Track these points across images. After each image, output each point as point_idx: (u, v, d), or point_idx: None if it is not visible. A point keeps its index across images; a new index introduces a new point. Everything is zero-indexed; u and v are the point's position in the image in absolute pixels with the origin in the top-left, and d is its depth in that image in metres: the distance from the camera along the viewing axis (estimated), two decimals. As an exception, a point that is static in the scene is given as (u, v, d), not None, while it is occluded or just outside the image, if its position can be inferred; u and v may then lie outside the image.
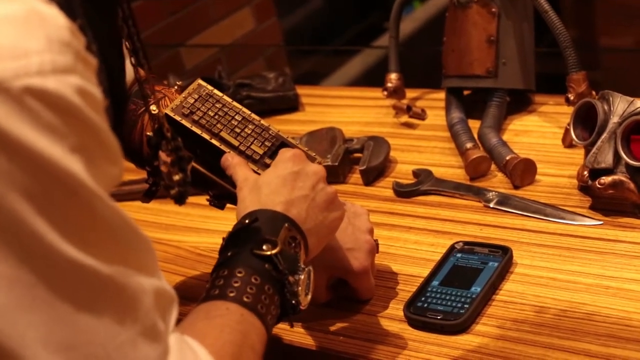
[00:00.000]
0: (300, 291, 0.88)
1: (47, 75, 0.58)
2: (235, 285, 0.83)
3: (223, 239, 0.92)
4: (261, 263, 0.86)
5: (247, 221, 0.91)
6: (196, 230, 1.35)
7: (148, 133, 0.99)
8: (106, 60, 0.76)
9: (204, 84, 1.08)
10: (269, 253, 0.86)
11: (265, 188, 0.94)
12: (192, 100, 1.06)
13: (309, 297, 0.90)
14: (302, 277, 0.88)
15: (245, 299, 0.82)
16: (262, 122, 1.07)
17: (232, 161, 1.02)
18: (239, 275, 0.84)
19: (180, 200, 0.91)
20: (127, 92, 0.94)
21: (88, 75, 0.62)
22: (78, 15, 0.68)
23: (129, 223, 0.66)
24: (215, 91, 1.08)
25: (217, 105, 1.06)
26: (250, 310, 0.82)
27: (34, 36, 0.59)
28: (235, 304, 0.82)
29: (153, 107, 0.98)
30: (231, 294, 0.82)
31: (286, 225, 0.90)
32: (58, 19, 0.61)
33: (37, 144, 0.58)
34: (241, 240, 0.89)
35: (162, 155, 0.89)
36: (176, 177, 0.89)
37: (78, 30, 0.63)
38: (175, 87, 1.11)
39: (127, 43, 0.89)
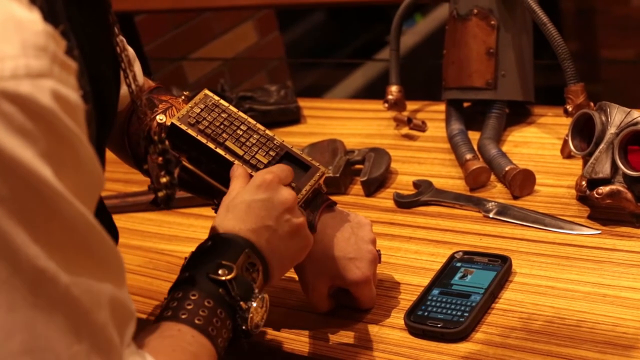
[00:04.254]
0: (250, 318, 0.89)
1: (20, 80, 0.59)
2: (188, 307, 0.85)
3: (185, 258, 0.94)
4: (215, 287, 0.88)
5: (208, 243, 0.93)
6: (199, 241, 1.33)
7: None
8: (91, 64, 0.76)
9: (210, 94, 1.10)
10: (223, 278, 0.88)
11: (231, 212, 0.95)
12: (198, 110, 1.07)
13: (262, 322, 0.91)
14: (255, 304, 0.89)
15: (196, 321, 0.84)
16: (267, 132, 1.09)
17: (234, 172, 1.03)
18: (192, 298, 0.86)
19: (167, 202, 0.92)
20: (117, 97, 0.94)
21: (66, 79, 0.62)
22: (61, 20, 0.68)
23: (98, 232, 0.66)
24: (222, 101, 1.09)
25: (223, 115, 1.08)
26: (200, 332, 0.83)
27: (9, 41, 0.59)
28: (187, 326, 0.83)
29: (161, 117, 1.00)
30: (183, 316, 0.84)
31: (246, 250, 0.91)
32: (35, 24, 0.61)
33: (7, 146, 0.58)
34: (199, 263, 0.90)
35: (151, 159, 0.91)
36: (163, 180, 0.90)
37: (59, 35, 0.63)
38: (182, 97, 1.12)
39: (117, 49, 0.89)
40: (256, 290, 0.90)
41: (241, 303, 0.88)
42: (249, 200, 0.95)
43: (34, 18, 0.62)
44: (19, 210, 0.59)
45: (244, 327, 0.88)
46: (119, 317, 0.69)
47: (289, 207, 0.96)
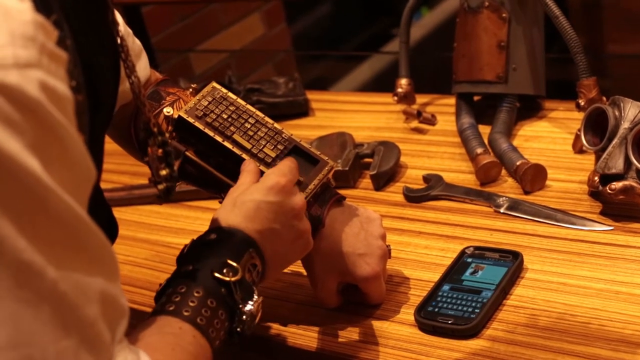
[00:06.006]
0: (247, 321, 0.88)
1: (8, 69, 0.58)
2: (192, 305, 0.83)
3: (185, 245, 0.92)
4: (219, 287, 0.86)
5: (213, 236, 0.91)
6: (206, 234, 1.35)
7: None
8: (86, 54, 0.75)
9: (218, 86, 1.08)
10: (228, 279, 0.87)
11: (238, 208, 0.94)
12: (205, 103, 1.06)
13: (254, 325, 0.89)
14: (253, 307, 0.88)
15: (199, 321, 0.83)
16: (275, 125, 1.08)
17: (245, 167, 1.01)
18: (196, 295, 0.84)
19: (166, 195, 0.91)
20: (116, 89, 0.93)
21: (55, 70, 0.62)
22: (54, 10, 0.67)
23: (88, 226, 0.65)
24: (230, 94, 1.08)
25: (231, 108, 1.07)
26: (202, 333, 0.82)
27: None
28: (189, 325, 0.82)
29: (168, 109, 0.98)
30: (186, 313, 0.83)
31: (250, 250, 0.90)
32: (24, 13, 0.60)
33: None
34: (204, 257, 0.89)
35: (151, 151, 0.89)
36: (163, 172, 0.89)
37: (51, 24, 0.62)
38: (190, 90, 1.11)
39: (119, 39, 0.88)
40: (255, 293, 0.89)
41: (240, 306, 0.87)
42: (259, 201, 0.94)
43: (23, 7, 0.61)
44: (4, 202, 0.58)
45: (238, 329, 0.87)
46: (110, 313, 0.68)
47: (297, 213, 0.96)
